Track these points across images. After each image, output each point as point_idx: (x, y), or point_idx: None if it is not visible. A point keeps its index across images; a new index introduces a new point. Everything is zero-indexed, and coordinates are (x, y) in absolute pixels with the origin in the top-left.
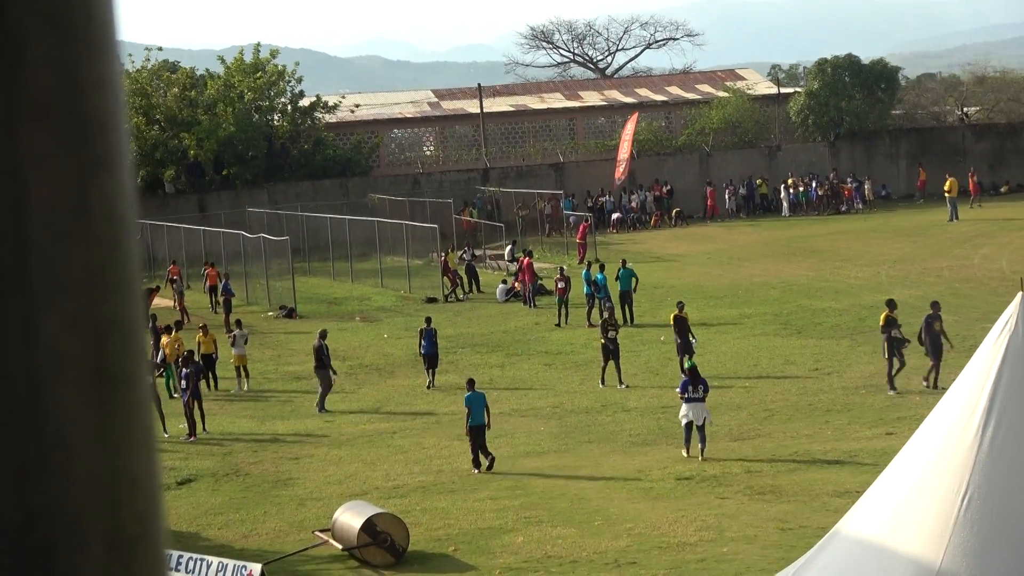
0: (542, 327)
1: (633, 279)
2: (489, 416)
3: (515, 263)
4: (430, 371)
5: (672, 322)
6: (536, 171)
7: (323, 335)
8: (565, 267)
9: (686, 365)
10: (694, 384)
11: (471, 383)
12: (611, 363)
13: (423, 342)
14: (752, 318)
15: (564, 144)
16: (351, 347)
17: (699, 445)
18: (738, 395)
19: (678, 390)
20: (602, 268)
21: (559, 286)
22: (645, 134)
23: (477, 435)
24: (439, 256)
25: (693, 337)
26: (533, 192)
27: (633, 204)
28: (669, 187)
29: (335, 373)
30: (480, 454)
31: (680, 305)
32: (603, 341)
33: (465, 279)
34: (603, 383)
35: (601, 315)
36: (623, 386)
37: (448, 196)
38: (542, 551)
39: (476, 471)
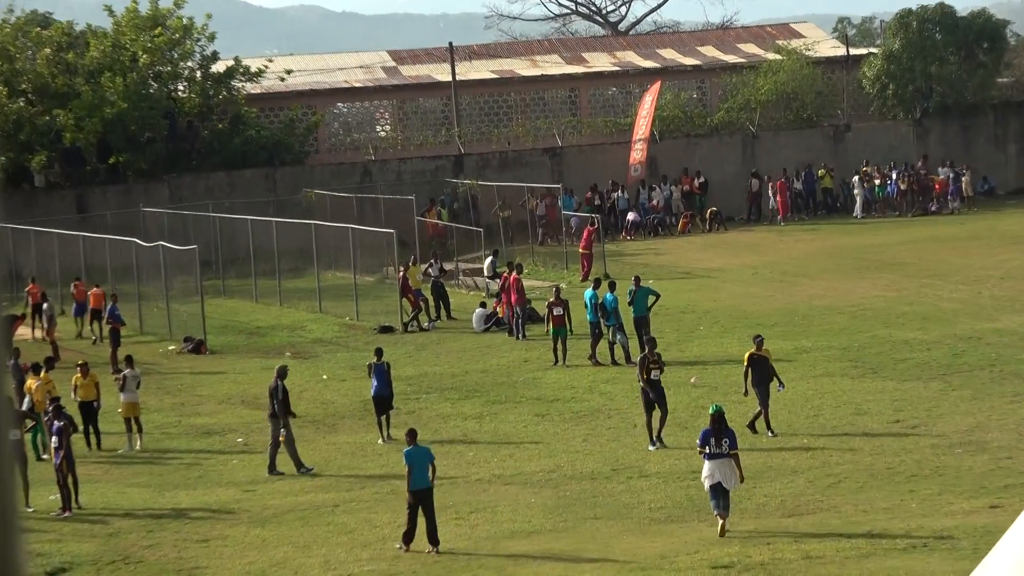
0: (533, 365)
1: (651, 298)
2: (434, 475)
3: (497, 280)
4: (383, 419)
5: (746, 363)
6: (526, 158)
7: (282, 373)
8: (563, 286)
9: (710, 410)
10: (718, 436)
11: (412, 435)
12: (656, 413)
13: (374, 380)
14: (811, 353)
15: (563, 123)
16: None
17: (720, 515)
18: (794, 456)
19: (697, 443)
20: (612, 287)
21: (555, 312)
22: (671, 109)
23: (421, 501)
24: (397, 271)
25: (780, 384)
26: (521, 187)
27: (654, 202)
28: (702, 179)
29: (293, 416)
30: (428, 529)
31: (758, 340)
32: (642, 383)
33: (431, 301)
34: (655, 442)
35: (641, 347)
36: (656, 446)
37: (409, 192)
38: None
39: (402, 548)
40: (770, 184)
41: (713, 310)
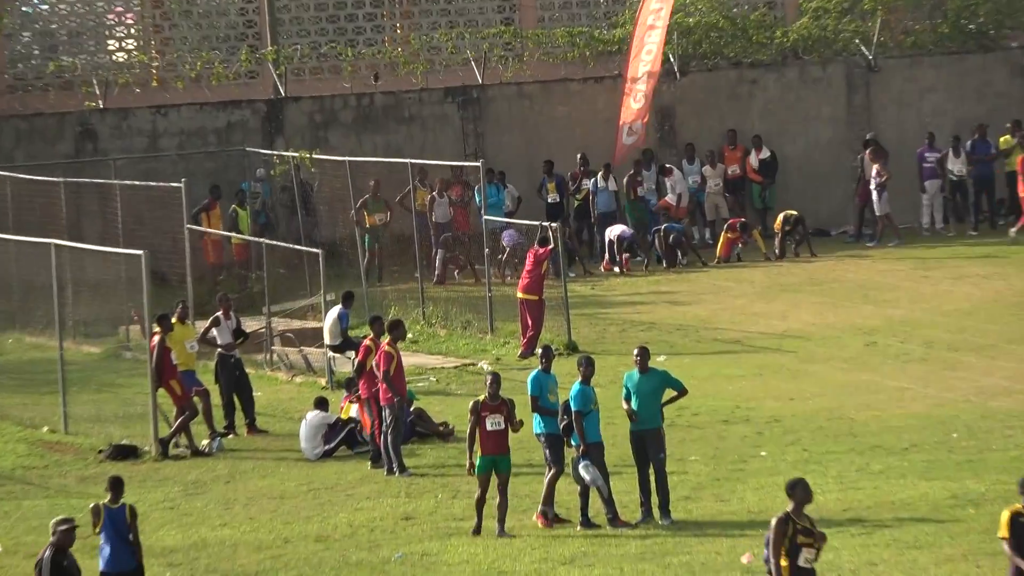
0: (424, 529)
1: (665, 393)
2: None
3: (353, 354)
4: None
5: (1006, 527)
6: (410, 108)
7: (57, 533)
8: (488, 365)
9: None
10: None
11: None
12: None
13: (105, 543)
14: (990, 504)
15: (486, 37)
16: None
17: None
18: None
19: None
20: (585, 369)
21: (489, 425)
22: (704, 13)
23: None
24: (146, 334)
25: None
26: (402, 165)
27: (669, 199)
28: (766, 154)
29: None
30: None
31: None
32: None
33: (219, 395)
34: None
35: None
36: None
37: (178, 174)
38: None
39: None
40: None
41: (786, 416)
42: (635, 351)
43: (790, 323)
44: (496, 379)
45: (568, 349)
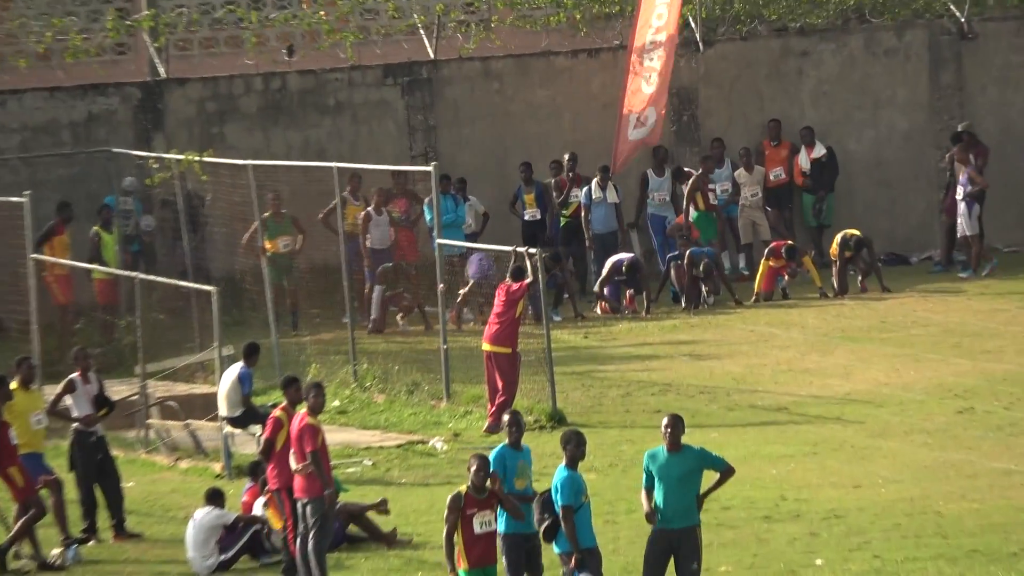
0: None
1: (699, 479)
2: None
3: (254, 428)
4: None
5: None
6: (337, 91)
7: None
8: (442, 443)
9: None
10: None
11: None
12: None
13: None
14: None
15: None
16: None
17: None
18: None
19: None
20: (572, 453)
21: (479, 525)
22: None
23: None
24: None
25: None
26: (326, 168)
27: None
28: (822, 152)
29: None
30: None
31: None
32: None
33: (77, 486)
34: None
35: None
36: None
37: (21, 184)
38: None
39: None
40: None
41: (850, 510)
42: (664, 422)
43: (854, 383)
44: (484, 464)
45: (552, 421)
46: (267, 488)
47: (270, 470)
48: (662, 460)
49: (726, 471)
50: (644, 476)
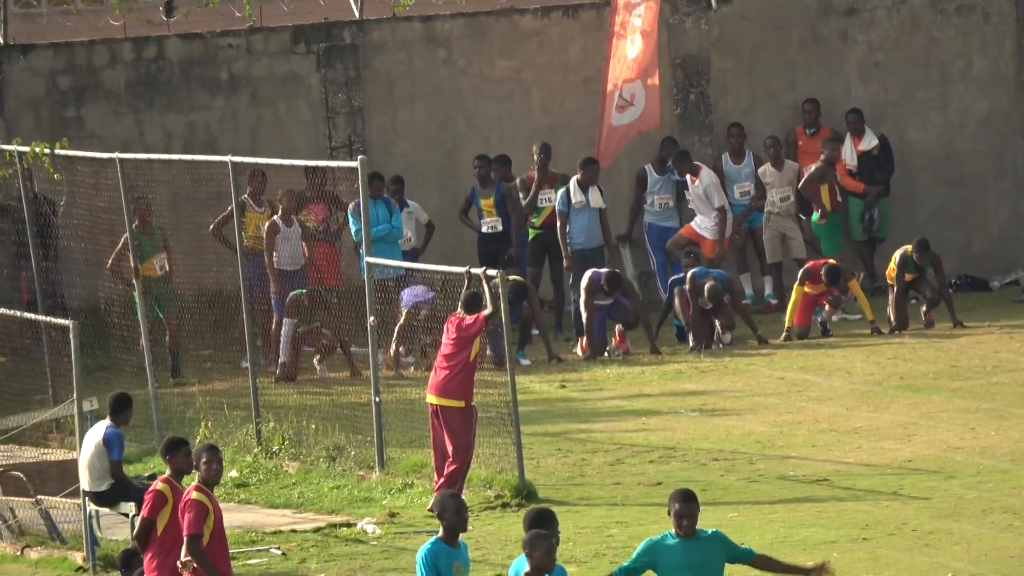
0: None
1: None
2: None
3: (127, 506)
4: None
5: None
6: (227, 66)
7: None
8: (374, 526)
9: None
10: None
11: None
12: None
13: None
14: None
15: None
16: None
17: None
18: None
19: None
20: (536, 545)
21: None
22: None
23: None
24: None
25: None
26: (218, 163)
27: (699, 228)
28: (874, 142)
29: None
30: None
31: None
32: None
33: None
34: None
35: None
36: None
37: None
38: None
39: None
40: None
41: None
42: (673, 501)
43: (917, 447)
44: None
45: (519, 497)
46: None
47: (148, 561)
48: (670, 549)
49: (755, 562)
50: (626, 572)
